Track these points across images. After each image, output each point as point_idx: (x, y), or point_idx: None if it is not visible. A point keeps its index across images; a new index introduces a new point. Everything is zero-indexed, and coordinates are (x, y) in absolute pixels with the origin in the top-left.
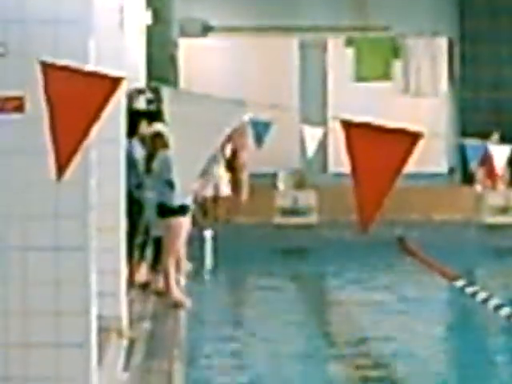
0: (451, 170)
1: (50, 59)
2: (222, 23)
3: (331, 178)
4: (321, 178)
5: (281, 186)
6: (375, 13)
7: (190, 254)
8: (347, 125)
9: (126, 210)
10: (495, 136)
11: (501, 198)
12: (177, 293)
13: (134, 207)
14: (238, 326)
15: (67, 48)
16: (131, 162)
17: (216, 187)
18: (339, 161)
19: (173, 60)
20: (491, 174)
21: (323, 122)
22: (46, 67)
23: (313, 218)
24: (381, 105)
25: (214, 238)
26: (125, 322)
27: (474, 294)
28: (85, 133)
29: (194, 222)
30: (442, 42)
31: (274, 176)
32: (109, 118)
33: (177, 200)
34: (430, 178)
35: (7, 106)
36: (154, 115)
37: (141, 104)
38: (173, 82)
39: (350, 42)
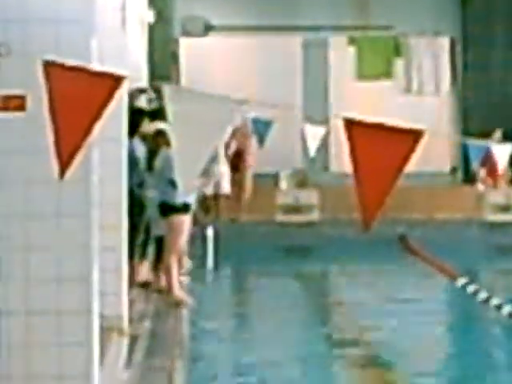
0: (453, 169)
1: (51, 58)
2: (223, 22)
3: (333, 177)
4: (323, 177)
5: (283, 184)
6: (377, 12)
7: (192, 253)
8: (349, 123)
9: (127, 208)
10: (497, 134)
11: (502, 197)
12: (178, 291)
13: (136, 206)
14: (239, 324)
15: (69, 47)
16: (133, 161)
17: (217, 185)
18: (341, 159)
19: (174, 59)
20: (493, 172)
21: (325, 121)
22: (48, 66)
23: (315, 217)
24: (383, 104)
25: (216, 236)
26: (126, 320)
27: (475, 293)
28: (87, 131)
29: (196, 221)
30: (444, 41)
31: (276, 175)
32: (110, 116)
33: (179, 198)
34: (431, 177)
35: (9, 104)
36: (156, 113)
37: (142, 102)
38: (174, 80)
39: (352, 41)
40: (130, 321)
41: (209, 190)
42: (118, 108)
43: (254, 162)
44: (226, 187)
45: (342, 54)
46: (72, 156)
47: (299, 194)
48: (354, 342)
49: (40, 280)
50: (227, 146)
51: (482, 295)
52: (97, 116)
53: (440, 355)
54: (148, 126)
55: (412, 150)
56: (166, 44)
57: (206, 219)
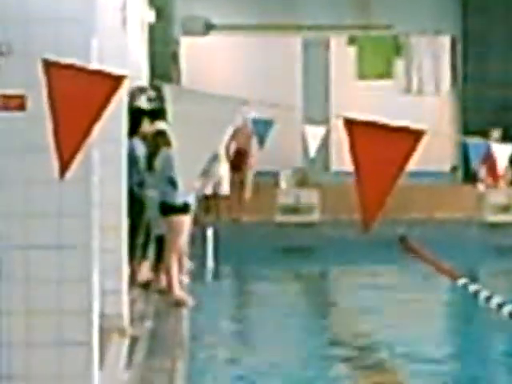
0: (453, 169)
1: (52, 58)
2: (224, 21)
3: (333, 177)
4: (323, 177)
5: (283, 184)
6: (378, 11)
7: (192, 253)
8: (350, 123)
9: (127, 208)
10: (495, 134)
11: (503, 197)
12: (179, 291)
13: (136, 206)
14: (239, 324)
15: (69, 47)
16: (133, 161)
17: (216, 185)
18: (341, 159)
19: (175, 58)
20: (493, 172)
21: (325, 121)
22: (49, 66)
23: (315, 217)
24: (383, 103)
25: (216, 237)
26: (127, 320)
27: (476, 293)
28: (87, 131)
29: (196, 221)
30: (445, 41)
31: (277, 175)
32: (111, 116)
33: (179, 198)
34: (432, 177)
35: (9, 104)
36: (156, 113)
37: (142, 102)
38: (175, 80)
39: (352, 41)
40: (131, 321)
41: (208, 190)
42: (118, 108)
43: (255, 162)
44: (226, 187)
45: (342, 54)
46: (72, 156)
47: (299, 194)
48: (354, 343)
49: (40, 280)
50: (228, 146)
51: (483, 295)
52: (97, 116)
53: (440, 355)
54: (148, 126)
55: (412, 149)
56: (166, 43)
57: (206, 219)
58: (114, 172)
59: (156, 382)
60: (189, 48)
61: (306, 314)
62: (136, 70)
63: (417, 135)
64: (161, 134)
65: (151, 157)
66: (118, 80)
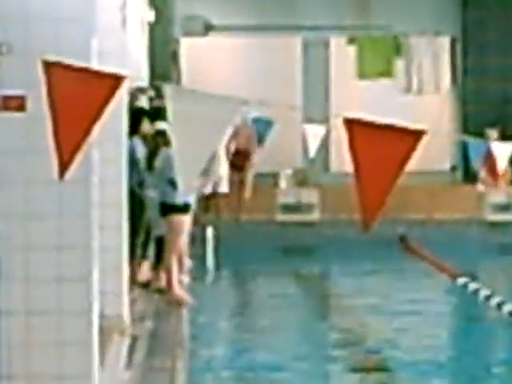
0: (453, 168)
1: (52, 58)
2: (223, 22)
3: (333, 177)
4: (323, 177)
5: (283, 184)
6: (377, 11)
7: (192, 252)
8: (350, 123)
9: (127, 208)
10: (492, 134)
11: (503, 196)
12: (179, 291)
13: (136, 206)
14: (240, 323)
15: (69, 46)
16: (133, 161)
17: (216, 185)
18: (341, 159)
19: (175, 58)
20: (493, 172)
21: (325, 121)
22: (48, 66)
23: (315, 216)
24: (383, 103)
25: (216, 236)
26: (127, 320)
27: (476, 292)
28: (87, 131)
29: (196, 220)
30: (444, 41)
31: (277, 175)
32: (111, 116)
33: (179, 198)
34: (432, 176)
35: (9, 104)
36: (156, 113)
37: (142, 102)
38: (175, 80)
39: (352, 41)
40: (131, 321)
41: (208, 189)
42: (118, 108)
43: (256, 161)
44: (225, 187)
45: (342, 54)
46: (72, 156)
47: (299, 194)
48: (354, 343)
49: (40, 280)
50: (228, 146)
51: (483, 294)
52: (97, 116)
53: (440, 354)
54: (148, 126)
55: (412, 149)
56: (166, 44)
57: (206, 219)
58: (114, 172)
59: (156, 381)
60: (189, 48)
61: (306, 313)
62: (136, 70)
63: (416, 135)
64: (161, 133)
65: (151, 157)
66: (117, 80)
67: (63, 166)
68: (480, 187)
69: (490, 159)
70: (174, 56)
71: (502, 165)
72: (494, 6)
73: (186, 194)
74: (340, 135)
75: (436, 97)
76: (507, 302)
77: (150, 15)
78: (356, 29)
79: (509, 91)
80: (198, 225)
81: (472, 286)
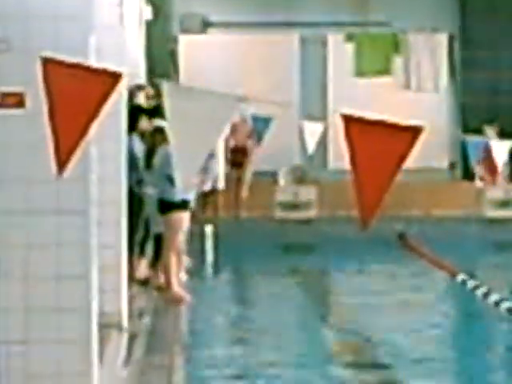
0: (452, 165)
1: (50, 55)
2: (221, 19)
3: (332, 174)
4: (321, 174)
5: (281, 181)
6: (375, 8)
7: (191, 250)
8: (348, 120)
9: (126, 205)
10: (490, 131)
11: (501, 193)
12: (177, 288)
13: (135, 203)
14: (238, 321)
15: (67, 44)
16: (131, 158)
17: (214, 182)
18: (340, 156)
19: (173, 55)
20: (492, 168)
21: (323, 118)
22: (47, 63)
23: (313, 213)
24: (381, 100)
25: (215, 233)
26: (126, 317)
27: (474, 289)
28: (85, 129)
29: (194, 218)
30: (443, 38)
31: (275, 172)
32: (109, 113)
33: (177, 195)
34: (430, 173)
35: (7, 101)
36: (154, 111)
37: (140, 100)
38: (173, 77)
39: (350, 38)
40: (130, 318)
41: (207, 186)
42: (116, 105)
43: (254, 158)
44: (222, 184)
45: (340, 51)
46: (71, 153)
47: (298, 191)
48: (353, 342)
49: (39, 277)
50: (226, 143)
51: (481, 291)
52: (95, 113)
53: (439, 352)
54: (146, 123)
55: (411, 146)
56: (164, 41)
57: (205, 216)
58: (113, 169)
59: (155, 378)
60: (187, 45)
61: (305, 310)
62: (134, 67)
63: (415, 132)
64: (159, 131)
65: (149, 154)
66: (116, 77)
67: (62, 164)
68: (478, 184)
69: (488, 156)
70: (172, 53)
71: (500, 162)
72: (491, 2)
73: (184, 191)
74: (338, 132)
75: (434, 94)
76: (506, 298)
77: (148, 12)
78: (354, 25)
79: (506, 87)
80: (197, 222)
81: (471, 282)
